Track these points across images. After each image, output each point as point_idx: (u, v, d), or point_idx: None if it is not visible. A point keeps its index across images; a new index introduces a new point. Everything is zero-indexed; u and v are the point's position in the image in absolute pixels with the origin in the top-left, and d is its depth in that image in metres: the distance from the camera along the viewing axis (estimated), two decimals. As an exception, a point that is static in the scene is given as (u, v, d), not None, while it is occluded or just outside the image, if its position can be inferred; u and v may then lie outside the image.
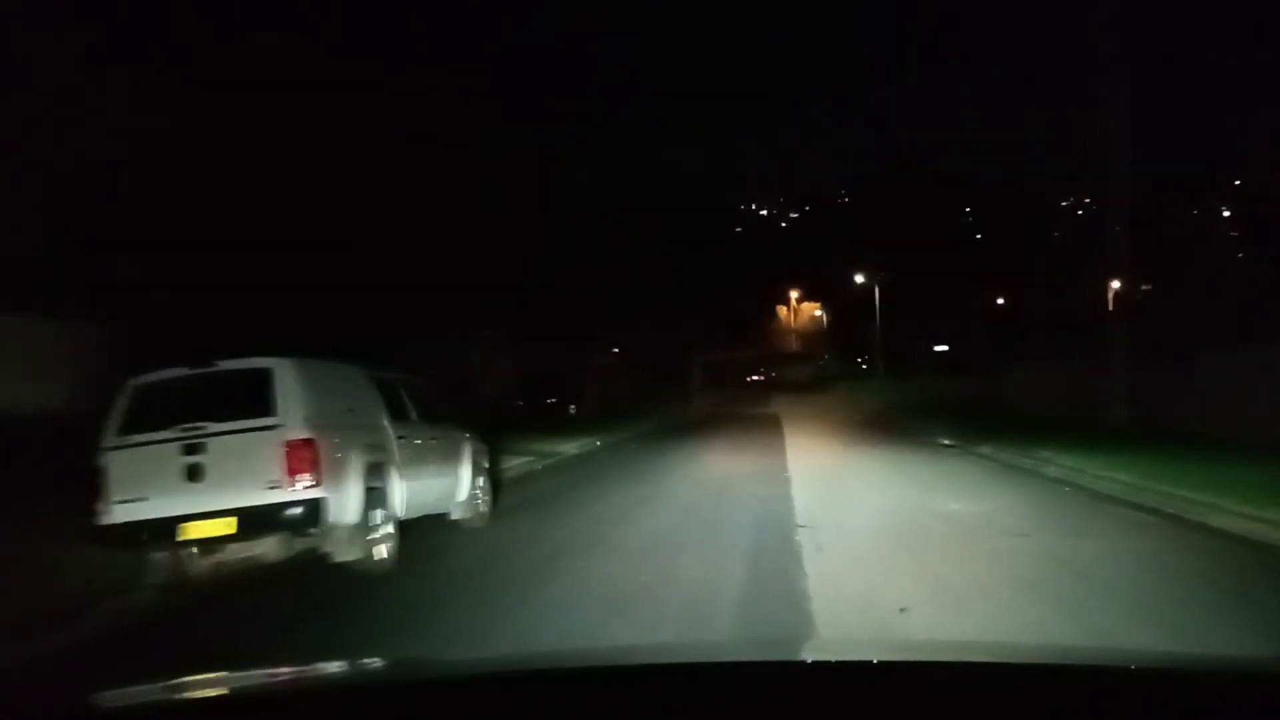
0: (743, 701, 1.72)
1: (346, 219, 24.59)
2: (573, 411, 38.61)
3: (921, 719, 1.65)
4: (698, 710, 1.70)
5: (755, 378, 67.14)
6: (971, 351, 44.32)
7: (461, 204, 31.18)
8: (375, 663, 2.52)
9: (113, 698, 1.89)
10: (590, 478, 15.46)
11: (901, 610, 5.76)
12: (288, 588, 7.49)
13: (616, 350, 54.67)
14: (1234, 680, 1.85)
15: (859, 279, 50.79)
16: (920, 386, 43.45)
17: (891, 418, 29.36)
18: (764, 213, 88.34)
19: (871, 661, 2.09)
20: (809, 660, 2.26)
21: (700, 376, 62.21)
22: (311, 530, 7.10)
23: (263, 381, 7.14)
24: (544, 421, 29.68)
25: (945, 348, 53.11)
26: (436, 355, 31.48)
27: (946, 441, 20.55)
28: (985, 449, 17.25)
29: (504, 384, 38.37)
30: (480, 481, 10.45)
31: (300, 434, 6.97)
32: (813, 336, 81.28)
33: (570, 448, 21.91)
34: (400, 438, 8.44)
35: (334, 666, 2.35)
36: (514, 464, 17.49)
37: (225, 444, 7.00)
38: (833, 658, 2.27)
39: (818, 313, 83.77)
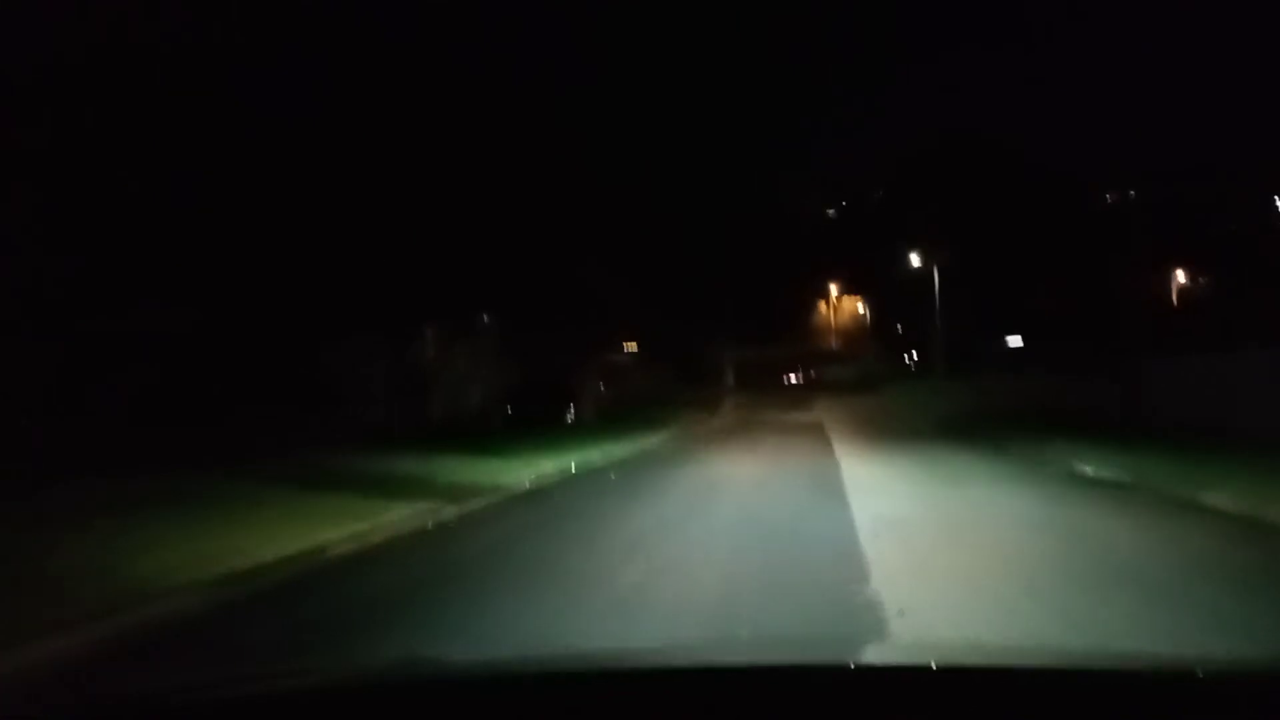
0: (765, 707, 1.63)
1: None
2: (570, 420, 31.50)
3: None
4: (712, 714, 1.63)
5: (793, 378, 61.54)
6: (1058, 347, 36.49)
7: (441, 169, 23.77)
8: (378, 664, 2.60)
9: (114, 700, 1.94)
10: (471, 566, 8.03)
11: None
12: None
13: (635, 347, 47.69)
14: (1234, 680, 1.81)
15: (914, 261, 42.73)
16: (995, 389, 35.47)
17: (978, 431, 21.69)
18: (799, 210, 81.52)
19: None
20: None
21: (732, 377, 56.01)
22: None
23: None
24: (524, 434, 22.74)
25: (1019, 342, 45.02)
26: (385, 349, 24.33)
27: (1089, 472, 13.05)
28: (1215, 497, 9.68)
29: (489, 386, 31.66)
30: None
31: None
32: (854, 334, 75.17)
33: (523, 479, 14.74)
34: None
35: (335, 667, 2.45)
36: (389, 520, 10.39)
37: None
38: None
39: (860, 309, 77.33)
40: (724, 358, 57.09)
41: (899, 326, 67.24)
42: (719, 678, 1.82)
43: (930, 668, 1.92)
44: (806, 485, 12.28)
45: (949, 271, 41.69)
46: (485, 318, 29.37)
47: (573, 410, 32.50)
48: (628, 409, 35.35)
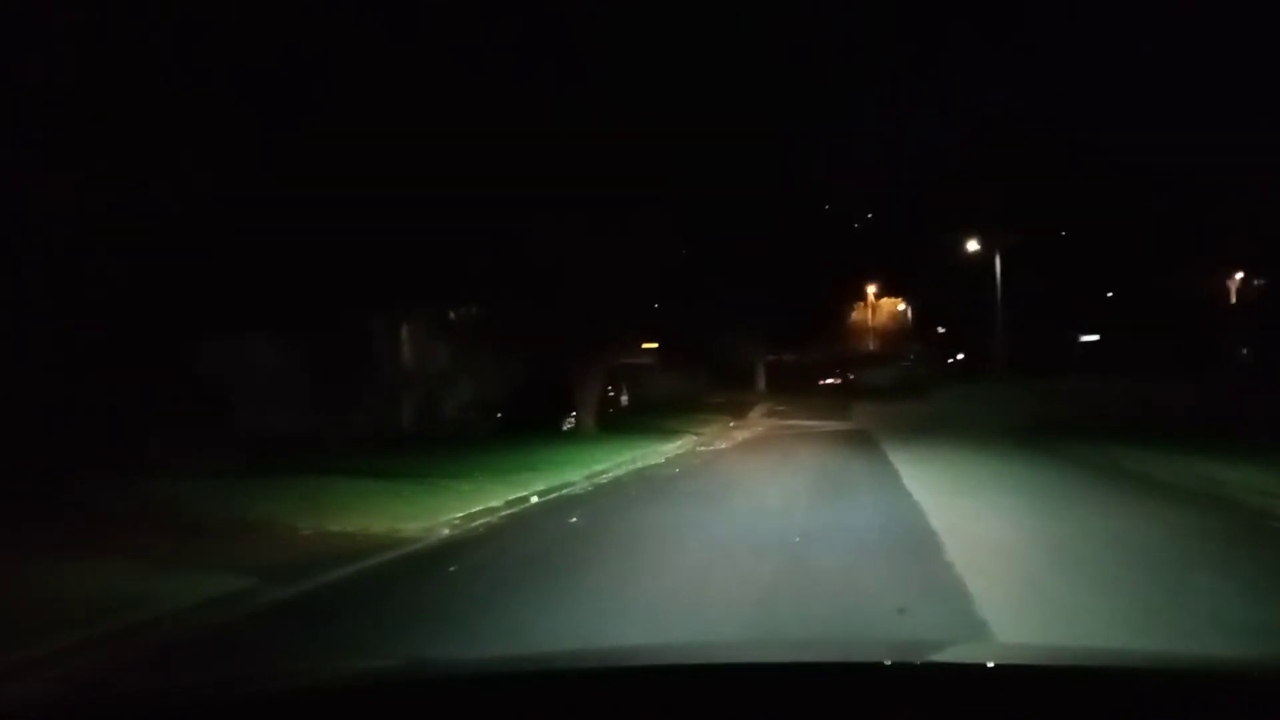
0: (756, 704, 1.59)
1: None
2: (568, 428, 26.67)
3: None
4: (716, 713, 1.60)
5: (830, 381, 57.16)
6: (1140, 346, 31.16)
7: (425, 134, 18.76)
8: (382, 663, 2.41)
9: (117, 699, 1.86)
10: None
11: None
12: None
13: (656, 345, 43.01)
14: (1233, 680, 1.77)
15: (973, 247, 37.27)
16: (1069, 392, 30.13)
17: (1082, 448, 16.57)
18: (836, 206, 77.10)
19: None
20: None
21: (764, 380, 51.52)
22: None
23: None
24: (504, 446, 18.30)
25: (1095, 338, 39.45)
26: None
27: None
28: None
29: (482, 387, 27.24)
30: None
31: None
32: (894, 335, 70.64)
33: (443, 523, 9.89)
34: None
35: (339, 667, 2.20)
36: (100, 632, 5.51)
37: None
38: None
39: (901, 308, 72.69)
40: (755, 359, 52.49)
41: (941, 327, 62.63)
42: (722, 676, 1.77)
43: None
44: (885, 567, 7.17)
45: (1010, 260, 36.35)
46: (457, 309, 24.49)
47: (573, 416, 27.63)
48: (642, 414, 30.87)
